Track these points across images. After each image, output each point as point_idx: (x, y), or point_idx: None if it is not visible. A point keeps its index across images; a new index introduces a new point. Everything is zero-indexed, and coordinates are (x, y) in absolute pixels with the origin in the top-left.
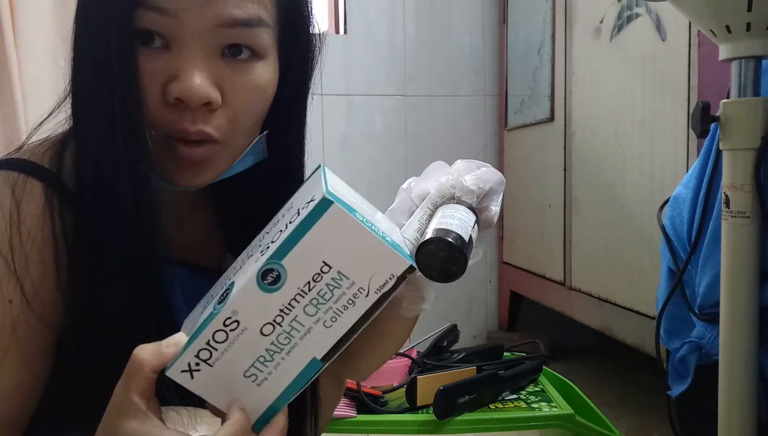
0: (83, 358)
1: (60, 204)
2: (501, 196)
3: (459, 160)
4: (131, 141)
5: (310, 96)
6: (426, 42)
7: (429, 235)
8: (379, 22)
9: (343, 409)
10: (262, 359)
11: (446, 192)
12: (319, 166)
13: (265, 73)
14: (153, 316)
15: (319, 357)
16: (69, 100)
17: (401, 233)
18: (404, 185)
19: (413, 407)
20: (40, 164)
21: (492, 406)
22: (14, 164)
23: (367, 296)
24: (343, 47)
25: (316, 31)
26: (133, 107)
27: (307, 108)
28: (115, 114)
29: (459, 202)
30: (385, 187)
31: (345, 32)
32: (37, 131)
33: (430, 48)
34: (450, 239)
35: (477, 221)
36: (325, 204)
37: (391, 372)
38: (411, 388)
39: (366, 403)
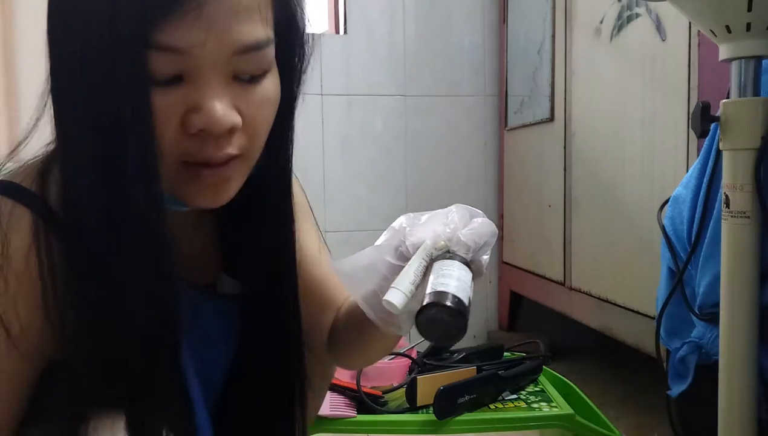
0: (74, 386)
1: (47, 234)
2: (491, 246)
3: (454, 208)
4: (145, 186)
5: (300, 97)
6: (426, 42)
7: (428, 299)
8: (379, 22)
9: (343, 409)
10: None
11: (441, 245)
12: None
13: (272, 84)
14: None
15: None
16: (51, 130)
17: (394, 284)
18: (395, 225)
19: (413, 407)
20: (28, 189)
21: (492, 406)
22: (3, 189)
23: None
24: (343, 47)
25: (309, 36)
26: (148, 155)
27: (296, 109)
28: (127, 160)
29: (454, 256)
30: (385, 187)
31: (345, 32)
32: (14, 155)
33: (430, 48)
34: (450, 304)
35: (472, 278)
36: None
37: (391, 372)
38: (411, 388)
39: (366, 403)
